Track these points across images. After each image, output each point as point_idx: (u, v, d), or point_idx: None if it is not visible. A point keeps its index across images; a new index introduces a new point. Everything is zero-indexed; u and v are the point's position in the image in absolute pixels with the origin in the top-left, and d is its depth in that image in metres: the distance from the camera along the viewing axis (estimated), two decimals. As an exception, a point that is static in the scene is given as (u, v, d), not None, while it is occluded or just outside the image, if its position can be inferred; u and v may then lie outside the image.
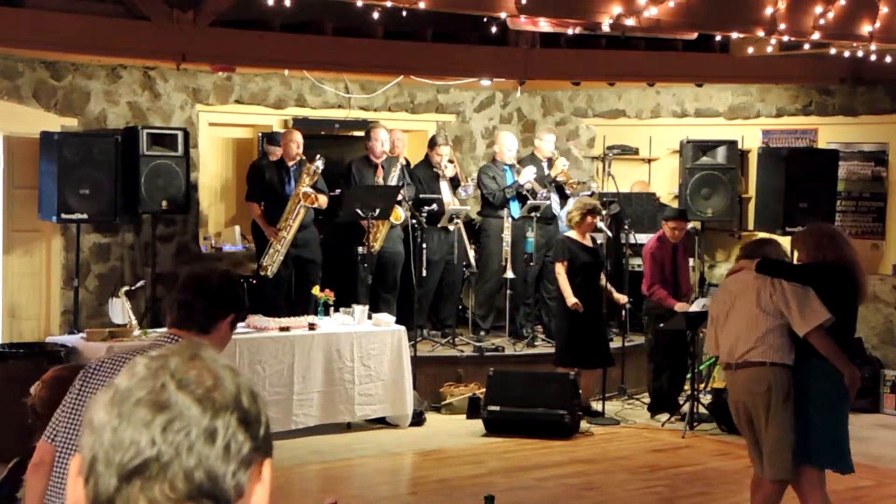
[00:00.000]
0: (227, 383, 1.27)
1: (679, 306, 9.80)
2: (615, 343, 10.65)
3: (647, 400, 10.44)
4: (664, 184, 12.37)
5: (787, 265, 6.07)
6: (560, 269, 9.75)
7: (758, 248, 6.21)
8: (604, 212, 10.16)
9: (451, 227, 10.69)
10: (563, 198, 11.35)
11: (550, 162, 11.29)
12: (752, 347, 5.95)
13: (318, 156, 10.11)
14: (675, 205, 11.85)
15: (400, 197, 10.37)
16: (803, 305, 5.83)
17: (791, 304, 5.86)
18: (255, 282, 10.45)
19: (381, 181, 10.60)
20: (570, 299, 9.64)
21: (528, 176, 10.95)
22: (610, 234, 10.10)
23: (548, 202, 10.99)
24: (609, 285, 10.01)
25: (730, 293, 6.13)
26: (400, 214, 10.41)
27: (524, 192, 10.94)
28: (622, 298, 10.09)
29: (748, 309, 5.98)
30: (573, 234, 9.80)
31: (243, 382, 1.29)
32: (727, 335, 6.08)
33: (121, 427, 1.23)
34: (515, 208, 11.02)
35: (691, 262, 11.58)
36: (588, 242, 9.79)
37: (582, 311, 9.61)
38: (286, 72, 11.17)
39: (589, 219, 9.66)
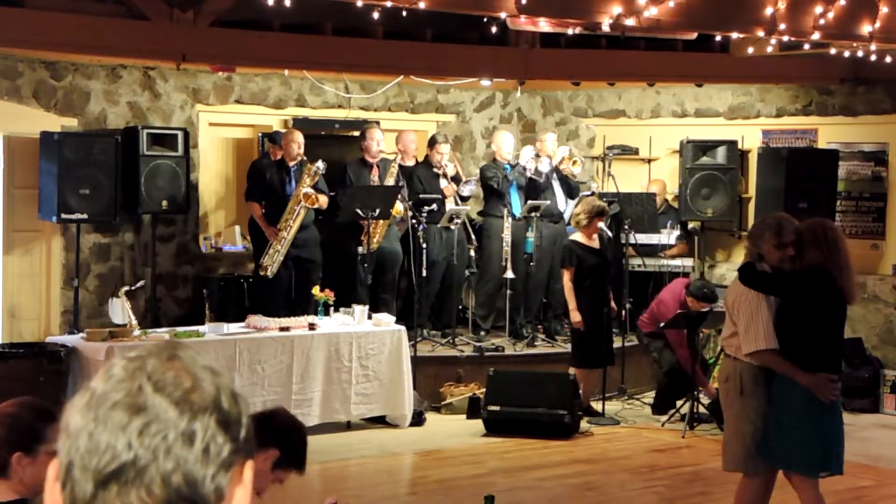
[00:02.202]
0: (206, 384, 1.25)
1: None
2: (615, 343, 10.64)
3: (647, 400, 10.44)
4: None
5: (760, 277, 6.01)
6: (567, 277, 9.73)
7: (749, 240, 6.25)
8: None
9: (452, 227, 10.69)
10: (568, 193, 11.34)
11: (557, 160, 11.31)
12: (728, 342, 6.13)
13: (320, 161, 10.12)
14: (675, 205, 11.84)
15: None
16: (749, 327, 5.92)
17: (739, 322, 6.00)
18: (252, 281, 10.47)
19: (376, 181, 10.61)
20: (575, 315, 9.67)
21: (526, 155, 10.97)
22: (610, 234, 10.09)
23: (548, 202, 10.98)
24: (609, 292, 9.98)
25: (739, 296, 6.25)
26: (399, 208, 10.41)
27: (527, 174, 10.93)
28: (615, 309, 10.06)
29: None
30: (579, 236, 9.79)
31: (223, 383, 1.27)
32: None
33: (97, 431, 1.21)
34: (517, 204, 11.00)
35: (691, 262, 11.59)
36: (595, 244, 9.77)
37: (583, 329, 9.67)
38: (286, 72, 11.17)
39: (596, 221, 9.66)
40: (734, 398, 6.05)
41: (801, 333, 5.84)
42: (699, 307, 9.74)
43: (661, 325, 9.92)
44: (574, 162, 11.20)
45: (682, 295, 9.84)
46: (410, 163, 11.09)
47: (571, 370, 9.73)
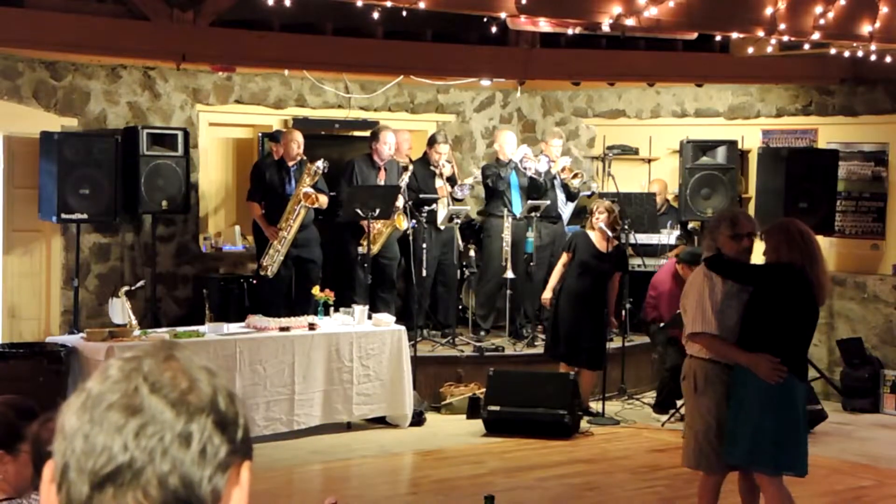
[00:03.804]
0: (202, 385, 1.24)
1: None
2: (615, 343, 10.63)
3: (647, 400, 10.44)
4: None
5: (733, 265, 6.04)
6: (561, 260, 9.83)
7: (707, 234, 6.32)
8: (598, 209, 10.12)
9: (443, 227, 10.73)
10: (569, 196, 11.37)
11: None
12: (687, 339, 6.15)
13: (323, 158, 10.11)
14: (675, 205, 11.84)
15: (402, 202, 10.35)
16: (693, 311, 5.98)
17: (687, 308, 6.06)
18: (255, 282, 10.46)
19: (381, 184, 10.60)
20: (546, 292, 9.87)
21: (521, 152, 11.01)
22: (610, 234, 10.09)
23: (548, 202, 11.00)
24: (612, 303, 9.93)
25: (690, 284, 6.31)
26: (404, 223, 10.39)
27: (527, 174, 10.95)
28: (613, 323, 10.06)
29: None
30: (590, 232, 9.81)
31: (220, 384, 1.26)
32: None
33: (93, 433, 1.20)
34: (517, 204, 11.01)
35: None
36: (600, 245, 9.73)
37: (549, 307, 9.84)
38: (286, 72, 11.17)
39: (591, 219, 9.70)
40: (690, 396, 6.15)
41: (766, 328, 5.83)
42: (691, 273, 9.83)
43: (661, 325, 9.93)
44: (575, 175, 11.22)
45: (674, 267, 9.99)
46: (403, 161, 11.07)
47: (566, 369, 9.72)
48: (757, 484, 6.02)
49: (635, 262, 11.18)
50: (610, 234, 9.85)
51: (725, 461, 5.97)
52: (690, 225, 11.84)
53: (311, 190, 10.11)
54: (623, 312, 10.47)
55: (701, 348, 6.02)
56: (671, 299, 9.84)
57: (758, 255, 6.52)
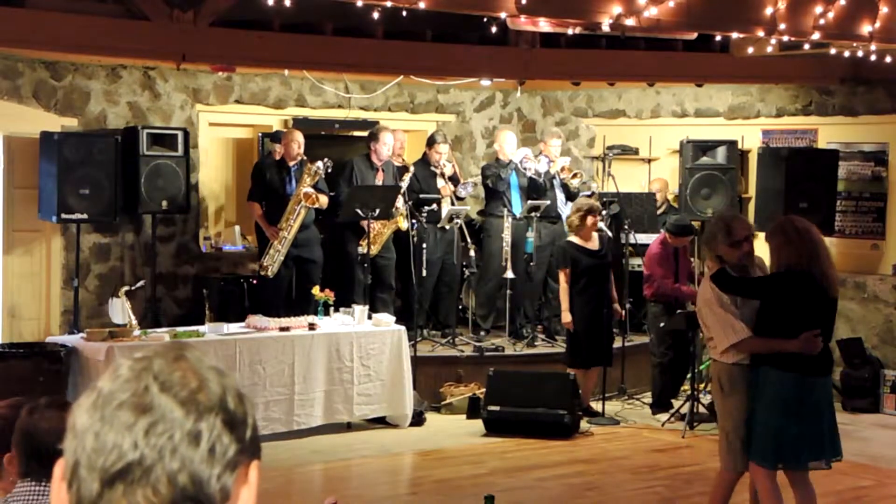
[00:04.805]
0: (212, 385, 1.25)
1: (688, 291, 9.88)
2: (615, 343, 10.63)
3: (647, 400, 10.44)
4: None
5: (737, 282, 6.05)
6: (563, 278, 9.76)
7: (705, 246, 6.34)
8: (604, 211, 10.16)
9: (447, 227, 10.72)
10: (568, 196, 11.39)
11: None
12: (709, 344, 6.20)
13: (326, 158, 10.10)
14: (675, 205, 11.84)
15: (401, 202, 10.35)
16: (720, 325, 5.98)
17: (710, 324, 6.07)
18: (255, 282, 10.46)
19: (380, 184, 10.60)
20: (565, 315, 9.75)
21: (521, 154, 11.03)
22: (610, 234, 10.10)
23: (548, 202, 11.01)
24: (614, 292, 9.98)
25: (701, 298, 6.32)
26: (404, 223, 10.39)
27: (527, 174, 10.97)
28: (619, 311, 10.07)
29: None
30: (574, 237, 9.81)
31: (229, 384, 1.27)
32: None
33: (103, 431, 1.22)
34: (517, 204, 11.02)
35: (693, 261, 11.58)
36: (592, 245, 9.76)
37: (572, 330, 9.75)
38: (286, 72, 11.17)
39: (589, 219, 9.66)
40: (719, 399, 6.17)
41: (786, 335, 5.83)
42: (679, 242, 9.91)
43: (662, 325, 9.93)
44: (574, 175, 11.23)
45: (663, 236, 10.08)
46: (397, 163, 11.05)
47: (570, 370, 9.74)
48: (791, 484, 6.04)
49: (635, 262, 11.18)
50: (610, 234, 9.89)
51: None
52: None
53: (311, 190, 10.11)
54: (623, 312, 10.47)
55: (724, 352, 6.01)
56: (661, 259, 10.02)
57: (762, 253, 6.52)
